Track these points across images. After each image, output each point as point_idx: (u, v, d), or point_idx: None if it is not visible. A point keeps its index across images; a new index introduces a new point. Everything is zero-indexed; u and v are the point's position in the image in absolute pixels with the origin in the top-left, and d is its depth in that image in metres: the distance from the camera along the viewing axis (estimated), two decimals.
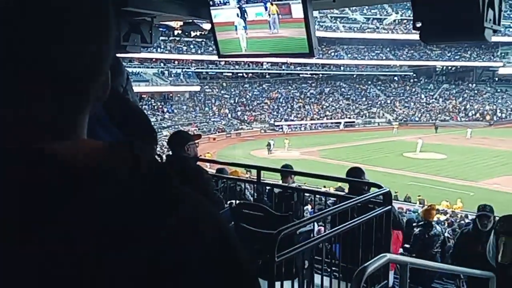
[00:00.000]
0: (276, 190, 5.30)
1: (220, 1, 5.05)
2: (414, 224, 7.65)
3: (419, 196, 26.06)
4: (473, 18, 3.84)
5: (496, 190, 28.97)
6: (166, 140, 4.34)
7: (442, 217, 18.19)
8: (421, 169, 35.18)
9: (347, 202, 3.13)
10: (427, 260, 5.79)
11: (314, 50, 4.72)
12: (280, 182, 6.40)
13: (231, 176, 5.74)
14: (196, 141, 4.05)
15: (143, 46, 6.54)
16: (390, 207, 3.47)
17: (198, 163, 4.19)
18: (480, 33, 3.91)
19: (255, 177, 5.65)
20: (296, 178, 26.34)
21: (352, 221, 3.04)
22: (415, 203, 25.09)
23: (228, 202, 4.88)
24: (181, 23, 6.68)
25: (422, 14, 4.15)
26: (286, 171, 6.29)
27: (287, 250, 2.32)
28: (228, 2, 4.98)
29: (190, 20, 6.29)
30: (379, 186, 3.75)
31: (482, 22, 3.86)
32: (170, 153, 4.15)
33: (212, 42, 5.79)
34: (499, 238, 5.25)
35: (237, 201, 4.75)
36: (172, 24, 7.16)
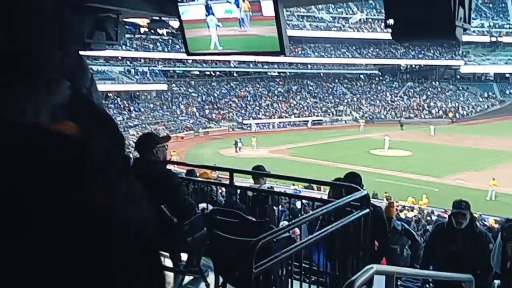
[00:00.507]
0: (250, 193, 5.21)
1: None
2: None
3: (385, 193, 26.41)
4: (445, 17, 3.83)
5: (460, 186, 29.66)
6: (134, 142, 4.12)
7: (410, 214, 18.48)
8: (388, 165, 35.72)
9: (324, 207, 3.03)
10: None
11: (285, 48, 4.63)
12: (253, 183, 6.25)
13: (202, 179, 5.51)
14: (166, 144, 3.86)
15: (108, 44, 6.29)
16: (367, 210, 3.39)
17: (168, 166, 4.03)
18: (452, 31, 3.90)
19: (226, 178, 5.52)
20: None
21: (331, 226, 2.95)
22: (382, 200, 25.44)
23: (200, 207, 4.70)
24: (148, 20, 6.47)
25: (393, 12, 4.11)
26: (259, 174, 6.15)
27: (265, 261, 2.20)
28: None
29: (158, 17, 6.10)
30: (356, 189, 3.65)
31: (453, 21, 3.85)
32: (138, 156, 3.95)
33: (180, 40, 5.63)
34: (507, 244, 4.97)
35: (210, 206, 4.58)
36: (139, 21, 6.95)
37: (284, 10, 5.17)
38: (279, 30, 4.58)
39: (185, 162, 17.82)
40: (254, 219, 3.28)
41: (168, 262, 3.83)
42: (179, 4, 4.98)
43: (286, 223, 5.64)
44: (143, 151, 3.76)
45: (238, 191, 5.23)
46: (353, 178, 5.58)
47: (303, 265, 2.90)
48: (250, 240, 2.26)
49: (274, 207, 5.19)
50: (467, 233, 5.44)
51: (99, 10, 5.95)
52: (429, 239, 6.23)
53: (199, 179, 5.32)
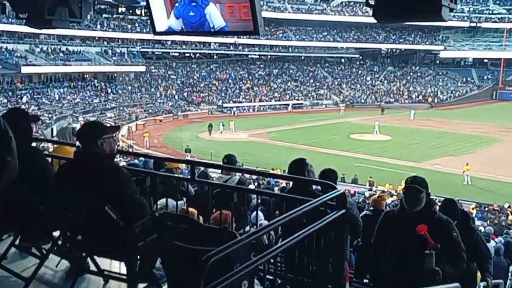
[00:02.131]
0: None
1: None
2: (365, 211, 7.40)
3: (370, 177, 26.43)
4: None
5: (438, 171, 29.85)
6: (75, 132, 3.72)
7: (389, 200, 18.44)
8: (367, 150, 35.77)
9: (297, 210, 2.72)
10: None
11: (259, 28, 4.26)
12: (221, 174, 5.87)
13: (161, 173, 5.07)
14: (114, 135, 3.48)
15: (72, 21, 5.85)
16: (344, 210, 3.09)
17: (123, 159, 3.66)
18: (438, 11, 3.60)
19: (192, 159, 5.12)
20: (245, 159, 25.76)
21: (305, 230, 2.65)
22: (364, 185, 25.45)
23: (161, 203, 4.33)
24: None
25: None
26: (220, 166, 5.79)
27: (220, 279, 1.89)
28: None
29: None
30: (331, 187, 3.34)
31: (439, 0, 3.55)
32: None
33: None
34: None
35: (174, 202, 4.23)
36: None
37: None
38: (253, 9, 4.21)
39: (136, 152, 17.37)
40: (208, 225, 2.96)
41: (119, 269, 3.49)
42: None
43: (261, 215, 5.33)
44: (86, 142, 3.35)
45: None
46: (329, 176, 5.34)
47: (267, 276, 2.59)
48: (202, 250, 1.96)
49: (242, 207, 4.79)
50: (423, 220, 3.94)
51: None
52: (375, 234, 4.37)
53: (159, 173, 4.88)
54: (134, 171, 4.24)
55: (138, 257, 3.13)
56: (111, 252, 3.21)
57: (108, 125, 3.74)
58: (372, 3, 3.90)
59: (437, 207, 4.57)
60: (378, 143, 39.10)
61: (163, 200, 4.29)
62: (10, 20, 42.06)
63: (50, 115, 42.08)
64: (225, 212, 3.90)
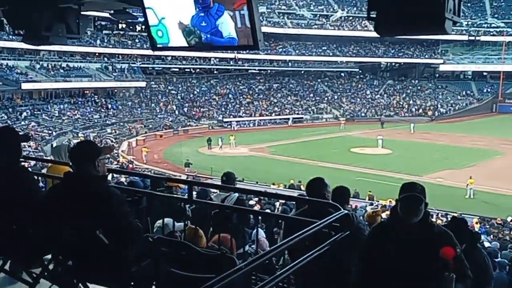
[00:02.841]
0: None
1: None
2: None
3: (369, 192, 26.25)
4: (434, 8, 3.46)
5: (440, 184, 29.67)
6: (69, 150, 3.57)
7: (384, 214, 18.19)
8: (368, 164, 35.62)
9: (300, 233, 2.60)
10: None
11: (258, 42, 4.20)
12: (219, 192, 5.69)
13: (156, 193, 4.88)
14: (107, 156, 3.37)
15: (70, 38, 5.80)
16: (348, 232, 2.96)
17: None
18: (441, 24, 3.53)
19: (192, 174, 4.96)
20: (246, 175, 25.74)
21: (309, 254, 2.53)
22: (364, 199, 25.27)
23: (158, 224, 4.17)
24: (111, 11, 5.97)
25: (376, 3, 3.72)
26: (217, 186, 5.63)
27: None
28: None
29: (121, 8, 5.62)
30: (335, 207, 3.19)
31: (443, 13, 3.48)
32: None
33: None
34: None
35: (175, 223, 4.07)
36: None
37: (261, 7, 4.75)
38: (252, 24, 4.15)
39: (128, 171, 17.22)
40: (206, 251, 2.82)
41: None
42: None
43: (261, 232, 5.19)
44: (81, 162, 3.20)
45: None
46: (342, 193, 4.89)
47: None
48: (200, 278, 1.86)
49: (243, 228, 4.58)
50: (420, 234, 3.48)
51: (58, 1, 5.46)
52: (364, 247, 3.68)
53: (155, 192, 4.72)
54: (130, 190, 4.11)
55: (132, 283, 2.99)
56: (103, 278, 3.08)
57: (101, 145, 3.62)
58: (374, 16, 3.83)
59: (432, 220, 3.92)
60: (379, 157, 38.97)
61: (162, 220, 4.14)
62: (10, 37, 42.19)
63: (50, 131, 42.03)
64: (224, 235, 3.77)
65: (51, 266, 3.41)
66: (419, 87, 73.47)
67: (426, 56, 74.49)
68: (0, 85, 45.37)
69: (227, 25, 4.20)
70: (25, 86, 46.86)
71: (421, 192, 3.64)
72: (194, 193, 5.30)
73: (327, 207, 3.44)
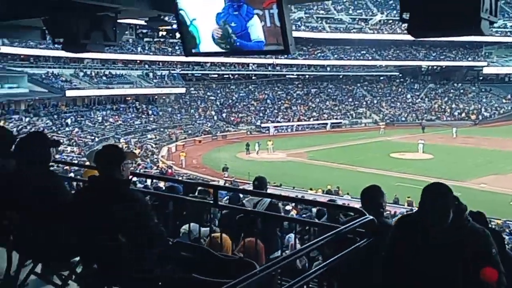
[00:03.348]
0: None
1: None
2: None
3: (408, 197, 25.71)
4: (469, 8, 3.36)
5: (483, 190, 28.77)
6: (94, 155, 3.62)
7: None
8: (408, 169, 34.90)
9: (321, 238, 2.56)
10: None
11: (289, 47, 4.19)
12: (246, 201, 5.58)
13: (182, 197, 4.87)
14: (131, 160, 3.42)
15: (107, 45, 5.96)
16: (372, 239, 2.89)
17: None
18: (476, 25, 3.43)
19: (243, 183, 4.96)
20: (283, 180, 25.70)
21: (332, 259, 2.48)
22: (403, 205, 24.78)
23: (183, 230, 4.18)
24: (146, 19, 6.09)
25: (410, 4, 3.65)
26: (243, 191, 5.57)
27: None
28: None
29: (156, 15, 5.73)
30: (360, 212, 3.11)
31: (478, 13, 3.37)
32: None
33: None
34: None
35: (202, 229, 4.07)
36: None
37: (299, 12, 4.72)
38: (283, 28, 4.14)
39: (152, 175, 17.52)
40: (224, 255, 2.80)
41: None
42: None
43: (292, 237, 5.14)
44: (107, 166, 3.26)
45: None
46: (374, 194, 4.34)
47: None
48: (218, 283, 1.85)
49: (270, 233, 4.42)
50: (452, 231, 3.11)
51: (96, 9, 5.61)
52: (389, 244, 3.30)
53: (181, 196, 4.74)
54: (156, 194, 4.15)
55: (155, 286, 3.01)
56: (127, 281, 3.11)
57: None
58: (407, 18, 3.76)
59: (469, 217, 3.39)
60: (420, 162, 38.12)
61: (194, 224, 4.14)
62: (55, 45, 43.59)
63: (93, 137, 43.17)
64: (250, 240, 3.74)
65: (79, 269, 3.48)
66: (462, 91, 71.54)
67: (469, 59, 72.48)
68: (46, 92, 46.97)
69: (256, 28, 4.19)
70: (69, 93, 48.36)
71: (448, 194, 3.29)
72: (227, 198, 5.32)
73: (353, 213, 3.33)
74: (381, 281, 3.22)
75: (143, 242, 3.01)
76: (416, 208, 3.51)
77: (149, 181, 18.83)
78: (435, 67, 76.25)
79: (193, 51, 4.95)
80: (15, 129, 35.87)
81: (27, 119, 43.05)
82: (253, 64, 66.57)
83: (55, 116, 46.36)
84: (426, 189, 3.37)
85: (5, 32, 8.06)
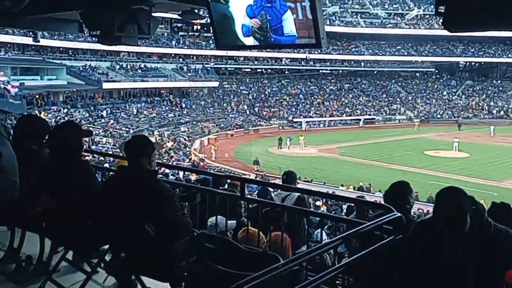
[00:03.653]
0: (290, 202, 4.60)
1: None
2: None
3: None
4: (509, 1, 3.25)
5: None
6: (123, 145, 3.67)
7: None
8: (443, 168, 34.20)
9: (348, 233, 2.52)
10: None
11: (321, 41, 4.13)
12: (274, 195, 5.53)
13: (209, 189, 4.86)
14: (157, 151, 3.46)
15: (140, 38, 6.04)
16: (400, 236, 2.82)
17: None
18: None
19: (274, 177, 4.93)
20: (314, 175, 25.59)
21: (358, 255, 2.44)
22: None
23: (211, 221, 4.20)
24: (179, 12, 6.15)
25: None
26: (271, 184, 5.51)
27: None
28: None
29: (189, 9, 5.77)
30: (388, 209, 3.04)
31: None
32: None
33: None
34: None
35: (229, 221, 4.08)
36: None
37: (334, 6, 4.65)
38: (315, 21, 4.09)
39: (179, 166, 17.73)
40: (248, 248, 2.79)
41: None
42: None
43: (324, 234, 5.09)
44: (137, 157, 3.29)
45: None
46: (399, 190, 4.19)
47: None
48: (242, 275, 1.85)
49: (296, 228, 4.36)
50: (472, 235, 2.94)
51: (130, 2, 5.69)
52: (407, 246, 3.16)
53: (208, 188, 4.76)
54: (183, 185, 4.18)
55: (181, 278, 3.02)
56: (153, 271, 3.16)
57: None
58: (443, 11, 3.66)
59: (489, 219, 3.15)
60: (455, 160, 37.31)
61: (220, 217, 4.17)
62: (93, 39, 44.47)
63: (127, 129, 43.93)
64: (276, 234, 3.73)
65: (108, 257, 3.56)
66: (500, 88, 69.49)
67: (509, 55, 70.28)
68: (83, 84, 48.04)
69: (289, 22, 4.16)
70: (105, 85, 49.33)
71: (464, 199, 3.00)
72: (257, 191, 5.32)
73: (380, 209, 3.25)
74: (397, 281, 3.07)
75: (169, 233, 3.04)
76: None
77: (181, 173, 19.15)
78: (473, 63, 74.28)
79: (224, 44, 4.96)
80: (53, 120, 36.88)
81: (65, 110, 44.10)
82: (286, 58, 66.35)
83: (92, 108, 47.36)
84: (440, 196, 3.10)
85: (44, 25, 8.26)
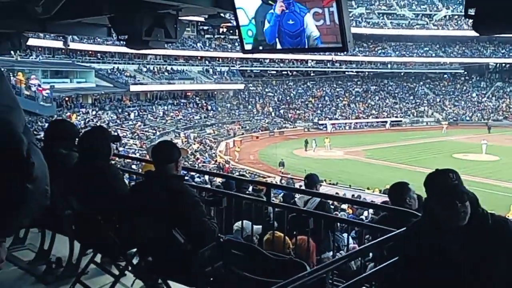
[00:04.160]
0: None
1: None
2: None
3: None
4: None
5: None
6: (150, 150, 3.71)
7: None
8: (472, 171, 33.50)
9: (373, 242, 2.49)
10: None
11: (347, 44, 4.11)
12: (297, 199, 5.50)
13: (235, 194, 4.83)
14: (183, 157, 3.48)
15: (167, 42, 6.12)
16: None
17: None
18: None
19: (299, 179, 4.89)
20: (340, 178, 25.34)
21: (384, 264, 2.41)
22: None
23: (237, 226, 4.20)
24: (206, 16, 6.20)
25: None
26: (303, 191, 5.42)
27: None
28: None
29: (215, 13, 5.81)
30: (415, 215, 3.00)
31: None
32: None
33: None
34: None
35: (254, 226, 4.08)
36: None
37: (361, 8, 4.64)
38: (341, 24, 4.07)
39: (203, 170, 17.89)
40: (274, 254, 2.76)
41: None
42: None
43: (350, 239, 5.06)
44: (165, 162, 3.34)
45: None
46: (399, 191, 4.30)
47: None
48: (268, 282, 1.84)
49: (320, 233, 4.31)
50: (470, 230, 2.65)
51: (158, 7, 5.77)
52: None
53: (234, 193, 4.75)
54: (209, 190, 4.21)
55: (207, 284, 3.04)
56: (180, 276, 3.18)
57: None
58: (473, 13, 3.60)
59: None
60: (485, 164, 36.53)
61: (246, 222, 4.17)
62: (121, 42, 45.15)
63: (154, 131, 44.41)
64: (301, 239, 3.72)
65: (135, 260, 3.61)
66: None
67: None
68: (111, 87, 48.80)
69: (312, 25, 4.15)
70: (133, 88, 50.00)
71: (460, 184, 2.67)
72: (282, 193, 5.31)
73: (408, 216, 3.20)
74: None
75: (195, 238, 3.07)
76: None
77: (206, 176, 19.24)
78: (503, 64, 72.62)
79: (249, 48, 4.98)
80: (82, 122, 37.54)
81: (93, 112, 44.85)
82: (312, 60, 66.08)
83: (119, 110, 48.03)
84: (430, 183, 2.74)
85: (74, 29, 8.43)
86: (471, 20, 3.59)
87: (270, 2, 4.43)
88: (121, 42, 6.61)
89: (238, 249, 2.64)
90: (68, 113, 39.93)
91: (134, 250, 3.66)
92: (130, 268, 3.59)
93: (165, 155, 3.37)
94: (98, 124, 35.62)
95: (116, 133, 37.53)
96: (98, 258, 3.87)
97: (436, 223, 2.67)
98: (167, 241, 3.03)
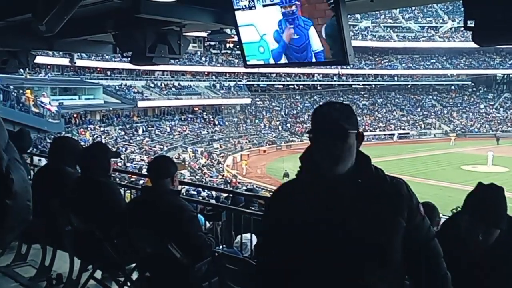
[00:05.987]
0: None
1: (245, 5, 4.57)
2: None
3: None
4: None
5: None
6: (148, 167, 3.74)
7: None
8: None
9: None
10: None
11: (348, 57, 4.13)
12: None
13: (234, 208, 4.81)
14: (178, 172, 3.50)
15: (171, 58, 6.18)
16: None
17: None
18: None
19: None
20: None
21: None
22: None
23: (237, 240, 4.19)
24: (208, 32, 6.27)
25: (475, 11, 3.51)
26: None
27: None
28: (254, 7, 4.49)
29: (218, 28, 5.87)
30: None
31: None
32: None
33: None
34: None
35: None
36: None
37: (366, 21, 4.66)
38: (342, 38, 4.10)
39: (201, 184, 17.95)
40: None
41: None
42: (236, 12, 4.66)
43: None
44: (160, 177, 3.35)
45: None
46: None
47: None
48: None
49: None
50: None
51: (161, 24, 5.83)
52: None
53: (232, 207, 4.75)
54: (207, 204, 4.21)
55: None
56: None
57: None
58: (472, 25, 3.63)
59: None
60: (494, 175, 36.14)
61: (247, 235, 4.16)
62: (126, 59, 45.57)
63: (161, 146, 44.55)
64: None
65: (135, 276, 3.61)
66: None
67: None
68: (119, 103, 49.14)
69: (315, 39, 4.18)
70: (141, 104, 50.30)
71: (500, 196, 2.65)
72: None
73: None
74: None
75: (191, 252, 3.07)
76: None
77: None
78: (511, 75, 72.40)
79: (252, 63, 5.01)
80: (90, 138, 37.75)
81: (102, 128, 45.13)
82: (318, 74, 66.26)
83: (127, 126, 48.28)
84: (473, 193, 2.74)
85: (80, 47, 8.56)
86: (471, 32, 3.62)
87: (271, 18, 4.45)
88: (126, 58, 6.69)
89: (233, 264, 2.63)
90: (81, 129, 40.24)
91: (133, 265, 3.66)
92: (129, 283, 3.59)
93: (161, 170, 3.39)
94: (106, 141, 35.88)
95: (124, 149, 37.74)
96: (98, 274, 3.88)
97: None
98: (164, 256, 3.04)
